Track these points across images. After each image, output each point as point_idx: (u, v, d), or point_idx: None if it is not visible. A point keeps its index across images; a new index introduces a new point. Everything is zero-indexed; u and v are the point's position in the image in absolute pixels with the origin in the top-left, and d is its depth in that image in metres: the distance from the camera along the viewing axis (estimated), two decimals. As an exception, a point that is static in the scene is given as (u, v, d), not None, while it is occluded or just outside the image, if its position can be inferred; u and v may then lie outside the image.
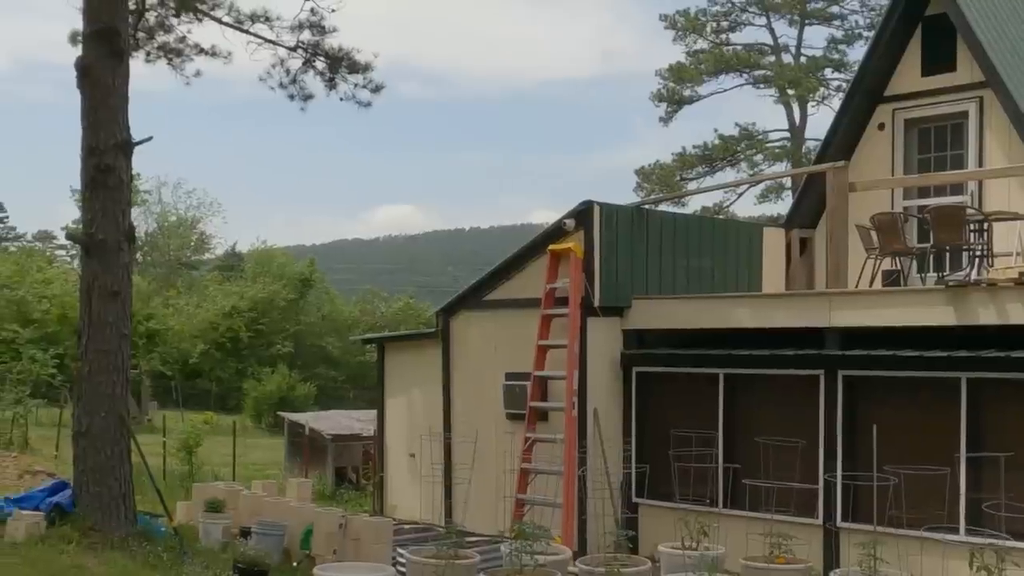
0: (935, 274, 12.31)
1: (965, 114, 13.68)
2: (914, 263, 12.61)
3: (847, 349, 10.29)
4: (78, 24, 11.57)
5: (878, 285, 11.99)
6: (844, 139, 14.52)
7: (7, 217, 76.81)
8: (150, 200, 50.63)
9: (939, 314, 9.73)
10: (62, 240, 61.77)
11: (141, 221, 48.71)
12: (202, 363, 42.22)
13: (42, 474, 16.98)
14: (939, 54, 13.82)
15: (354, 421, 20.86)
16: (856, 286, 12.03)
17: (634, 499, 11.68)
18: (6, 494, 12.47)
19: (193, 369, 42.00)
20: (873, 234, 12.14)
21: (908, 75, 14.16)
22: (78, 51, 11.43)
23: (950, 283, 9.81)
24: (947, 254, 12.59)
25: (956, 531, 9.06)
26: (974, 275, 10.35)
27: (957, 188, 13.82)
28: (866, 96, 14.45)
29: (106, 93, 11.06)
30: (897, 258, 12.21)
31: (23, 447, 20.76)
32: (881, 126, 14.38)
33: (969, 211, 11.99)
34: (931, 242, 11.62)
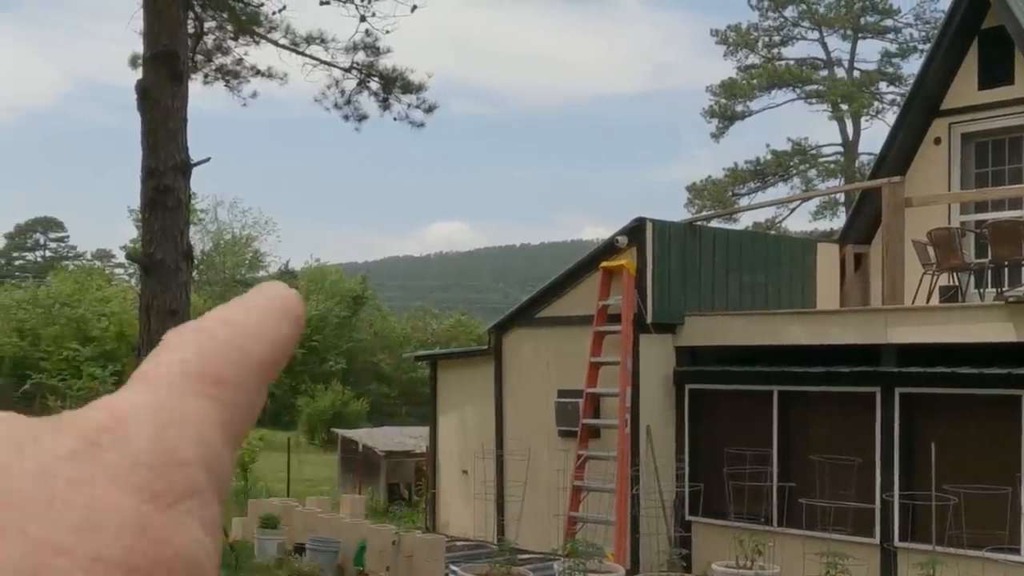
0: (993, 290, 12.12)
1: (1023, 127, 13.48)
2: (972, 279, 12.43)
3: (904, 366, 10.17)
4: (138, 47, 11.84)
5: (935, 301, 11.83)
6: (899, 154, 14.37)
7: (67, 236, 78.50)
8: (206, 219, 51.43)
9: (998, 330, 9.59)
10: (121, 259, 62.94)
11: (197, 240, 49.48)
12: (256, 380, 42.63)
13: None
14: (996, 67, 13.64)
15: (407, 437, 20.95)
16: (913, 302, 11.88)
17: (687, 517, 11.61)
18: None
19: (248, 386, 42.41)
20: (930, 249, 12.00)
21: (964, 88, 13.99)
22: (138, 74, 11.68)
23: (1009, 299, 9.67)
24: (1005, 269, 12.39)
25: (1017, 551, 8.89)
26: (1034, 291, 10.18)
27: (1015, 202, 13.61)
28: (922, 110, 14.30)
29: (165, 115, 11.28)
30: (954, 274, 12.04)
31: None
32: (937, 140, 14.22)
33: (1028, 226, 11.80)
34: (989, 257, 11.45)
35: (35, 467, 0.29)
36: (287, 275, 56.42)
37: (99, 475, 0.29)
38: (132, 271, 49.80)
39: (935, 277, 12.02)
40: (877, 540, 10.09)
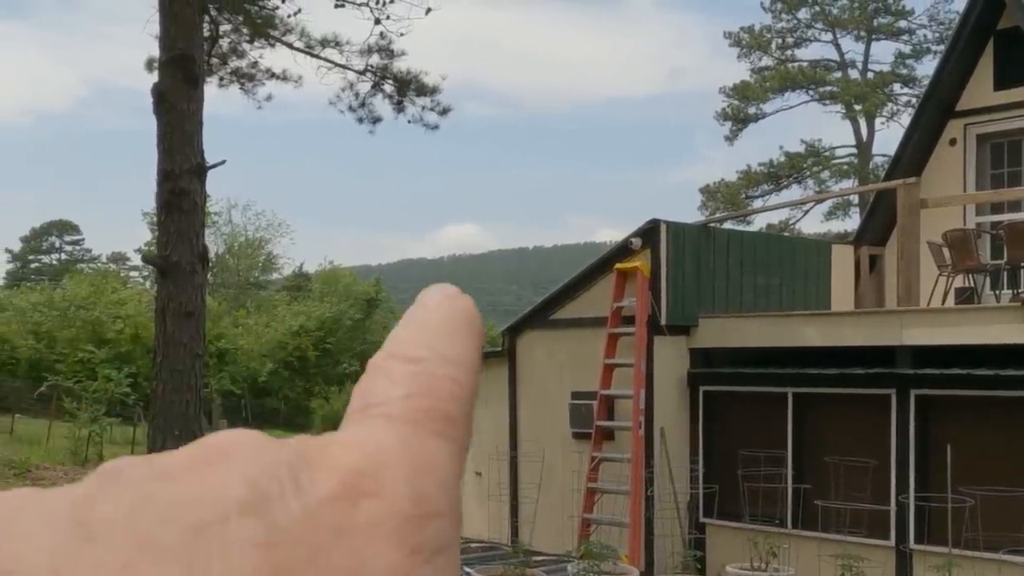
0: (1009, 291, 12.08)
1: (1039, 128, 13.44)
2: (987, 280, 12.39)
3: (919, 368, 10.14)
4: (154, 51, 11.91)
5: (951, 303, 11.80)
6: (914, 155, 14.34)
7: (83, 240, 78.91)
8: (220, 221, 51.61)
9: (1014, 332, 9.56)
10: (136, 261, 63.25)
11: (211, 242, 49.59)
12: (271, 382, 42.84)
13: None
14: (1012, 68, 13.60)
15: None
16: (928, 304, 11.85)
17: (702, 519, 11.60)
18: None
19: (262, 388, 42.62)
20: (945, 251, 11.96)
21: (980, 89, 13.95)
22: (154, 77, 11.76)
23: (1026, 300, 9.64)
24: (1021, 271, 12.34)
25: (1035, 554, 8.86)
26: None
27: (1032, 204, 13.56)
28: (937, 111, 14.27)
29: (181, 118, 11.35)
30: (970, 275, 12.01)
31: (98, 464, 21.22)
32: (953, 141, 14.19)
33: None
34: (1005, 259, 11.41)
35: (299, 508, 0.28)
36: (301, 277, 56.61)
37: (361, 524, 0.28)
38: (147, 274, 50.01)
39: (950, 278, 11.99)
40: (893, 542, 10.06)
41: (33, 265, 76.41)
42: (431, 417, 0.31)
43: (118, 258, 70.09)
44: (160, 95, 11.41)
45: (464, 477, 0.33)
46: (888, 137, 43.77)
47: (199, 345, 11.56)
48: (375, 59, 14.41)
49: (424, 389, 0.32)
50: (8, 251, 77.02)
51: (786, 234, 36.24)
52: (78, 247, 78.33)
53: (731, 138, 40.85)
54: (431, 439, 0.31)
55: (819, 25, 40.72)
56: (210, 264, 13.22)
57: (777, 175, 40.33)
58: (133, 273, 59.95)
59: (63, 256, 77.22)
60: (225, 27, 14.26)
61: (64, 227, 78.39)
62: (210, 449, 0.29)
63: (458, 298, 0.36)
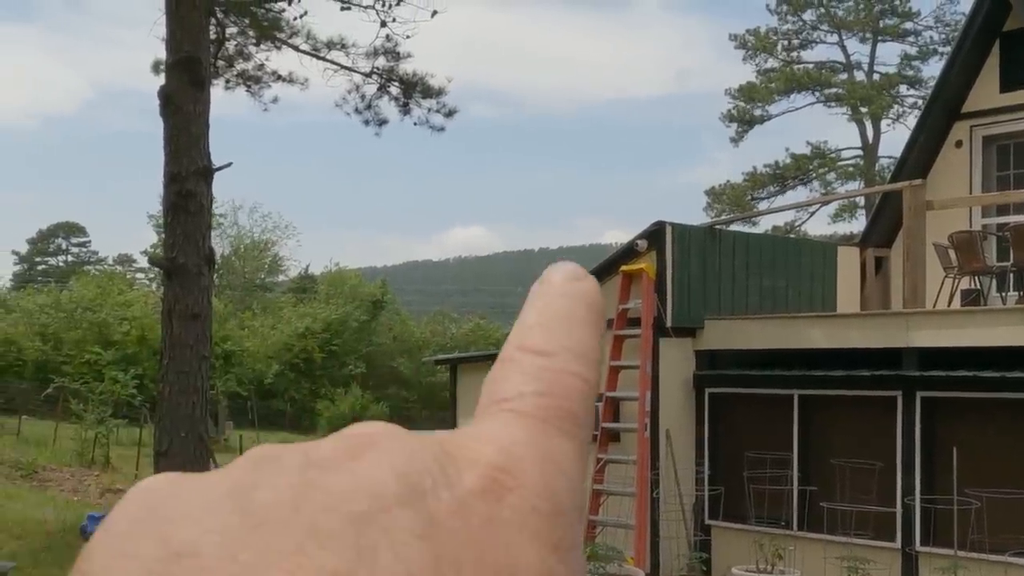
0: (1015, 293, 12.07)
1: (1045, 130, 13.42)
2: (994, 282, 12.38)
3: (925, 370, 10.13)
4: (161, 53, 11.94)
5: (957, 304, 11.79)
6: (920, 157, 14.33)
7: (89, 241, 79.06)
8: (226, 223, 51.71)
9: (1020, 334, 9.55)
10: (142, 263, 63.37)
11: (217, 244, 49.71)
12: (276, 383, 42.89)
13: (123, 492, 17.34)
14: (1018, 70, 13.59)
15: (426, 441, 20.99)
16: (934, 305, 11.84)
17: (707, 521, 11.60)
18: (90, 512, 12.81)
19: (268, 389, 42.68)
20: (951, 253, 11.96)
21: (986, 91, 13.94)
22: (160, 80, 11.78)
23: (1032, 302, 9.63)
24: (1028, 273, 12.34)
25: (1041, 556, 8.85)
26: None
27: (1038, 205, 13.54)
28: (943, 113, 14.26)
29: (188, 121, 11.37)
30: (976, 277, 12.00)
31: (105, 466, 21.29)
32: (959, 143, 14.18)
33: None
34: (1011, 260, 11.40)
35: (451, 500, 0.29)
36: (307, 279, 56.68)
37: (508, 518, 0.29)
38: (153, 276, 50.09)
39: (956, 280, 11.98)
40: (898, 544, 10.06)
41: (40, 267, 76.58)
42: (559, 415, 0.32)
43: (124, 260, 70.23)
44: (167, 97, 11.44)
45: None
46: (894, 139, 43.80)
47: (205, 347, 11.58)
48: (381, 61, 14.44)
49: (553, 387, 0.32)
50: (15, 253, 77.23)
51: (792, 236, 36.22)
52: (85, 249, 78.49)
53: (737, 139, 40.84)
54: (558, 437, 0.32)
55: (825, 27, 40.71)
56: (216, 266, 13.24)
57: (783, 177, 40.29)
58: (139, 275, 60.08)
59: (70, 258, 77.37)
60: (231, 29, 14.30)
61: (71, 229, 78.55)
62: (355, 440, 0.30)
63: (583, 280, 0.36)
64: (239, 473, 0.31)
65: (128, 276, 57.10)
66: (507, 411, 0.32)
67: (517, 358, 0.34)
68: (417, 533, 0.28)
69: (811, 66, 40.97)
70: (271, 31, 13.98)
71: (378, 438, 0.31)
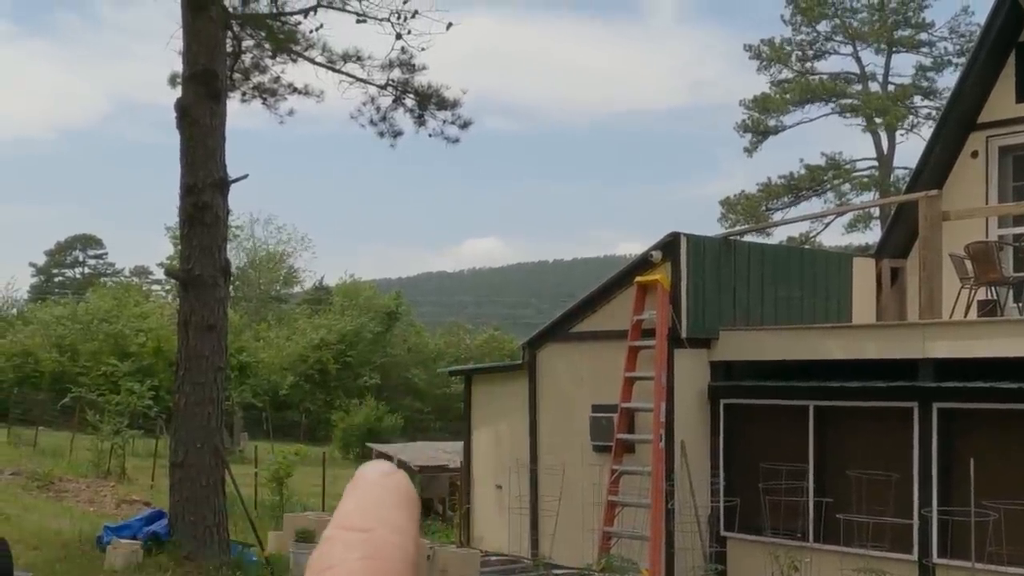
0: (1033, 304, 12.01)
1: (1062, 140, 13.36)
2: (1010, 293, 12.31)
3: (942, 381, 10.08)
4: (178, 67, 12.01)
5: (973, 315, 11.73)
6: (936, 167, 14.28)
7: (106, 254, 79.44)
8: (241, 235, 51.86)
9: (1038, 345, 9.50)
10: (158, 275, 63.53)
11: (233, 256, 49.74)
12: (292, 395, 42.96)
13: (139, 503, 17.44)
14: (1034, 80, 13.53)
15: (440, 452, 21.00)
16: (950, 317, 11.79)
17: (723, 532, 11.56)
18: (106, 522, 12.85)
19: (283, 400, 42.75)
20: (967, 263, 11.90)
21: (1002, 102, 13.89)
22: (177, 92, 11.85)
23: (1049, 313, 9.57)
24: (1045, 283, 12.27)
25: (1060, 569, 8.78)
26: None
27: (1055, 216, 13.47)
28: (958, 124, 14.21)
29: (204, 133, 11.44)
30: (993, 288, 11.94)
31: (121, 476, 21.37)
32: (974, 154, 14.12)
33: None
34: (1028, 271, 11.34)
35: None
36: (322, 290, 56.82)
37: None
38: (169, 287, 50.28)
39: (973, 291, 11.92)
40: (915, 556, 10.00)
41: (57, 279, 76.98)
42: (384, 572, 0.35)
43: (141, 272, 70.53)
44: (183, 110, 11.51)
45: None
46: (909, 150, 43.62)
47: (221, 358, 11.62)
48: (396, 73, 14.49)
49: (377, 552, 0.36)
50: (32, 265, 77.68)
51: (807, 247, 36.11)
52: (101, 261, 78.88)
53: (751, 150, 40.75)
54: None
55: (839, 38, 40.63)
56: (232, 278, 13.28)
57: (797, 188, 40.19)
58: (156, 287, 60.30)
59: (87, 270, 77.77)
60: (248, 42, 14.37)
61: (88, 241, 78.96)
62: None
63: (394, 475, 0.41)
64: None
65: (144, 288, 57.34)
66: None
67: (340, 536, 0.37)
68: None
69: (825, 77, 40.88)
70: (287, 44, 14.05)
71: None
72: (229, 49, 13.07)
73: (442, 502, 19.82)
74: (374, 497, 0.39)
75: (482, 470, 14.80)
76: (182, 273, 11.62)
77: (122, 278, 67.70)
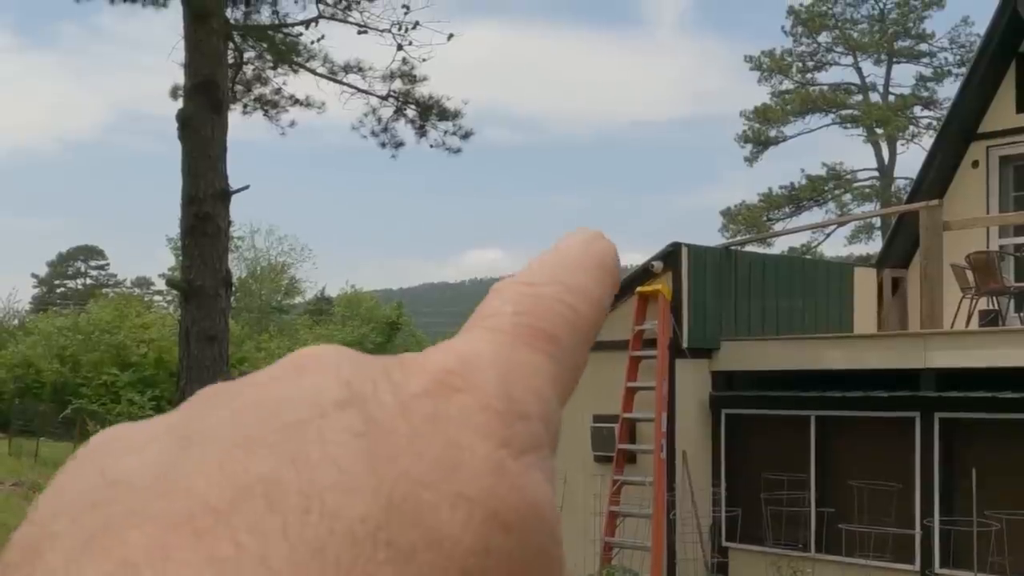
0: (1034, 314, 12.02)
1: (1062, 150, 13.38)
2: (1012, 302, 12.32)
3: (943, 391, 10.08)
4: (179, 78, 12.05)
5: (975, 325, 11.73)
6: (937, 177, 14.30)
7: (108, 264, 79.59)
8: (243, 246, 51.94)
9: (1039, 355, 9.50)
10: (159, 286, 63.67)
11: (234, 267, 49.78)
12: (293, 406, 42.91)
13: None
14: (1034, 90, 13.57)
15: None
16: (952, 326, 11.79)
17: (724, 543, 11.54)
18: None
19: (284, 412, 42.69)
20: (968, 273, 11.91)
21: (1002, 112, 13.91)
22: (179, 104, 11.89)
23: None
24: (1046, 293, 12.28)
25: (1062, 579, 8.77)
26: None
27: (1056, 226, 13.48)
28: (959, 134, 14.24)
29: (205, 144, 11.47)
30: (994, 297, 11.94)
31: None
32: (975, 163, 14.15)
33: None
34: (1029, 281, 11.35)
35: (393, 402, 0.29)
36: (323, 301, 56.87)
37: (453, 415, 0.29)
38: (171, 298, 50.36)
39: (974, 301, 11.92)
40: (917, 567, 9.98)
41: (59, 290, 77.11)
42: (531, 333, 0.32)
43: (142, 282, 70.64)
44: (185, 121, 11.55)
45: (568, 399, 0.33)
46: (910, 160, 43.73)
47: (222, 369, 11.64)
48: (397, 84, 14.53)
49: (534, 309, 0.33)
50: (34, 276, 77.83)
51: (808, 257, 36.14)
52: (103, 272, 79.01)
53: (751, 160, 40.85)
54: (527, 351, 0.31)
55: (840, 49, 40.74)
56: (233, 288, 13.29)
57: (798, 198, 40.26)
58: (157, 297, 60.41)
59: (88, 281, 77.89)
60: (249, 54, 14.42)
61: (89, 252, 79.12)
62: (303, 358, 0.31)
63: (598, 240, 0.36)
64: (184, 408, 0.31)
65: (146, 298, 57.41)
66: (480, 327, 0.32)
67: (505, 287, 0.34)
68: (353, 432, 0.28)
69: (826, 87, 40.99)
70: (288, 55, 14.09)
71: (328, 354, 0.31)
72: (231, 60, 13.11)
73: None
74: (565, 256, 0.35)
75: (483, 481, 14.76)
76: (184, 284, 11.64)
77: (124, 289, 67.76)
